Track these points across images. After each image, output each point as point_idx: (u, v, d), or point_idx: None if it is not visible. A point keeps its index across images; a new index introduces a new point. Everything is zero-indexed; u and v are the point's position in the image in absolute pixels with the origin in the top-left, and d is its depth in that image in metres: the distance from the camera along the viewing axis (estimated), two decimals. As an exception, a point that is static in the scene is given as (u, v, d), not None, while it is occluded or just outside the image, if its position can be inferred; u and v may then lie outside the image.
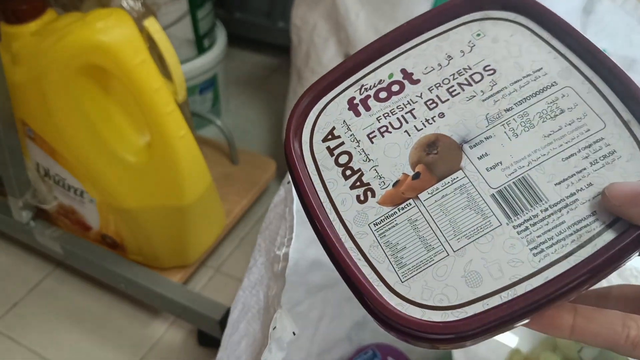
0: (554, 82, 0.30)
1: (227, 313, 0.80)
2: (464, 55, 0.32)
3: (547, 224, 0.27)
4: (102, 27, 0.67)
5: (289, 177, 0.47)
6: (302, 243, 0.52)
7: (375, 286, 0.28)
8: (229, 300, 0.82)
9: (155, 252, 0.87)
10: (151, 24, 0.75)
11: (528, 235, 0.27)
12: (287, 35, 1.07)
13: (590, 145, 0.28)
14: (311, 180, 0.31)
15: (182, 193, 0.80)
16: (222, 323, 0.79)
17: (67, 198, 0.86)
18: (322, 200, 0.30)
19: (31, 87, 0.73)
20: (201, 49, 1.11)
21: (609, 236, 0.26)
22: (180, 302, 0.83)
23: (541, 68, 0.30)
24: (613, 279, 0.50)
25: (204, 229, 0.90)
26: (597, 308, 0.26)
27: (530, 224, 0.27)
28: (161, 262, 0.89)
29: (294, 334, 0.42)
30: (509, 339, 0.57)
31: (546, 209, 0.27)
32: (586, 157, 0.27)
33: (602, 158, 0.27)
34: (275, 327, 0.41)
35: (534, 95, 0.30)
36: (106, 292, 0.93)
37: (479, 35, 0.32)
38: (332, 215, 0.30)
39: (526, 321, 0.26)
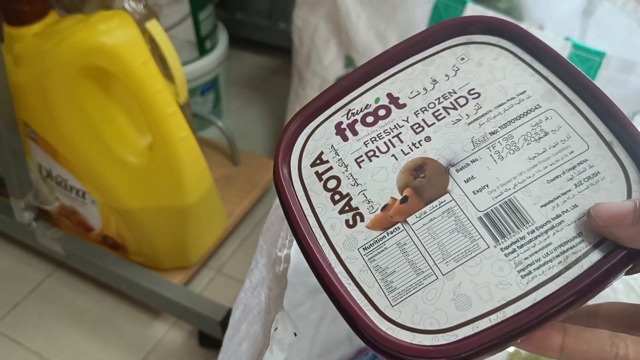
0: (538, 104, 0.30)
1: (228, 314, 0.80)
2: (449, 79, 0.32)
3: (534, 246, 0.27)
4: (104, 29, 0.68)
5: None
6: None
7: (365, 311, 0.28)
8: (230, 302, 0.83)
9: (156, 253, 0.88)
10: (153, 25, 0.75)
11: (516, 257, 0.27)
12: (288, 37, 1.07)
13: (574, 167, 0.28)
14: (300, 205, 0.31)
15: (184, 194, 0.80)
16: (223, 324, 0.79)
17: (68, 199, 0.86)
18: (311, 226, 0.30)
19: (33, 89, 0.73)
20: (203, 51, 1.11)
21: (595, 257, 0.26)
22: (181, 303, 0.83)
23: (525, 91, 0.31)
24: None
25: (205, 230, 0.91)
26: (586, 328, 0.27)
27: (517, 246, 0.27)
28: (162, 263, 0.89)
29: (295, 334, 0.42)
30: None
31: (533, 231, 0.27)
32: (571, 179, 0.28)
33: (586, 179, 0.28)
34: (276, 328, 0.41)
35: (518, 118, 0.30)
36: (107, 293, 0.93)
37: (463, 59, 0.33)
38: (322, 241, 0.30)
39: (517, 341, 0.26)
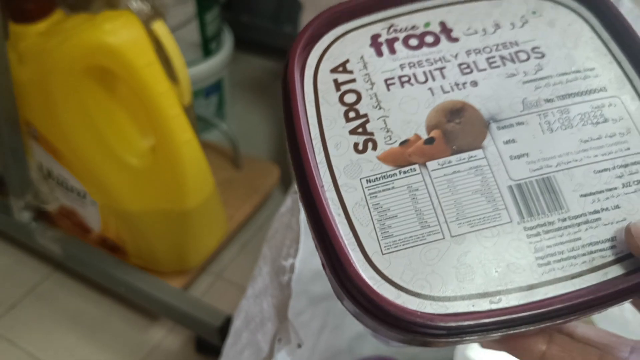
0: (604, 87, 0.27)
1: (226, 320, 0.79)
2: (513, 28, 0.29)
3: (561, 236, 0.24)
4: (110, 29, 0.67)
5: (295, 187, 0.46)
6: (306, 252, 0.51)
7: (349, 249, 0.24)
8: (230, 307, 0.82)
9: (156, 256, 0.87)
10: (159, 26, 0.74)
11: (538, 242, 0.24)
12: (293, 40, 1.06)
13: (626, 165, 0.25)
14: (306, 110, 0.27)
15: (185, 197, 0.80)
16: (222, 330, 0.78)
17: (68, 199, 0.85)
18: (312, 137, 0.26)
19: (37, 87, 0.73)
20: (207, 52, 1.10)
21: (622, 269, 0.23)
22: (179, 307, 0.82)
23: (594, 68, 0.28)
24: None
25: (205, 234, 0.90)
26: (575, 341, 0.25)
27: (543, 231, 0.24)
28: (162, 266, 0.88)
29: (299, 346, 0.41)
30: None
31: (564, 219, 0.24)
32: (620, 177, 0.25)
33: (636, 183, 0.25)
34: (280, 339, 0.41)
35: (579, 94, 0.27)
36: (104, 295, 0.92)
37: (534, 13, 0.29)
38: (320, 157, 0.26)
39: (499, 335, 0.23)
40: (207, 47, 1.10)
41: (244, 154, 1.07)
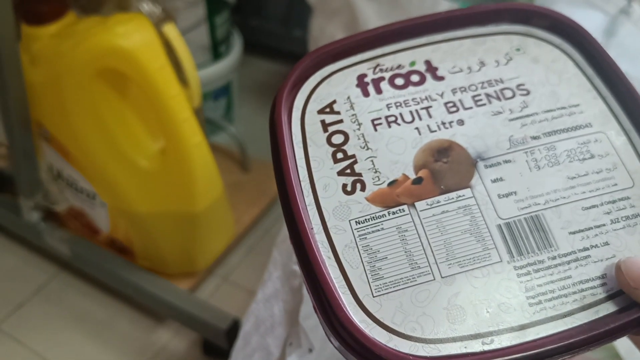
0: (589, 123, 0.27)
1: (233, 323, 0.79)
2: (498, 66, 0.29)
3: (551, 274, 0.24)
4: (122, 31, 0.67)
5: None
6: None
7: (340, 293, 0.24)
8: (237, 310, 0.82)
9: (163, 258, 0.87)
10: (170, 29, 0.75)
11: (528, 281, 0.24)
12: (302, 44, 1.06)
13: (614, 202, 0.25)
14: (294, 152, 0.27)
15: (194, 200, 0.80)
16: (229, 333, 0.78)
17: (78, 200, 0.85)
18: (301, 179, 0.26)
19: (49, 89, 0.73)
20: (217, 55, 1.11)
21: (613, 306, 0.23)
22: (187, 310, 0.82)
23: (578, 104, 0.28)
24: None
25: (213, 237, 0.90)
26: None
27: (533, 269, 0.24)
28: (169, 268, 0.88)
29: (310, 350, 0.41)
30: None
31: (554, 257, 0.24)
32: (608, 213, 0.25)
33: (624, 219, 0.25)
34: (291, 343, 0.41)
35: (565, 130, 0.27)
36: (111, 296, 0.93)
37: (518, 50, 0.29)
38: (309, 199, 0.26)
39: None
40: (217, 50, 1.10)
41: (252, 156, 1.08)
